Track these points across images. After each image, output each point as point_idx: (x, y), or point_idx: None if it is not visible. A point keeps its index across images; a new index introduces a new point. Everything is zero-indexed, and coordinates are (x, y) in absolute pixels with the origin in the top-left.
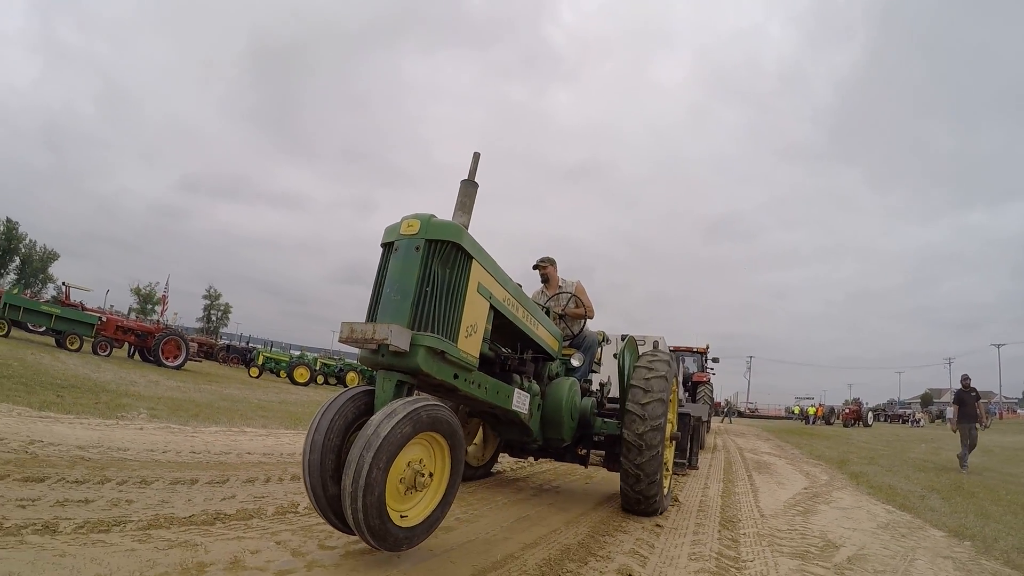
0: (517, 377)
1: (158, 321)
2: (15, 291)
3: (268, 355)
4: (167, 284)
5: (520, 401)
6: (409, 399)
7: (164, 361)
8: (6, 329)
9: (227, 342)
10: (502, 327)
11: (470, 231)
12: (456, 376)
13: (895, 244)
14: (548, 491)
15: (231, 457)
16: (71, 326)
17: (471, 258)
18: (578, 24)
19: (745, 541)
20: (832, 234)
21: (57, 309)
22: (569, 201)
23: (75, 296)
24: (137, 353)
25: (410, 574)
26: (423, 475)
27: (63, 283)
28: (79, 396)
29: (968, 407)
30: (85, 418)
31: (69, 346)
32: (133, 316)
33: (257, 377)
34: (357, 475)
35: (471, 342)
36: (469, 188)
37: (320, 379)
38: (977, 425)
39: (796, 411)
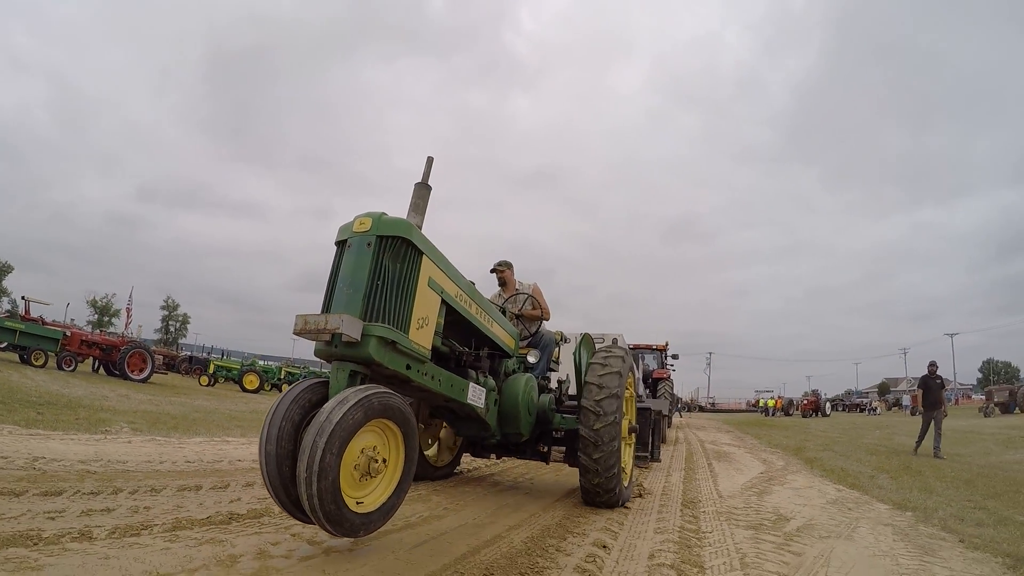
0: (472, 372)
1: (122, 335)
2: None
3: (220, 364)
4: (131, 297)
5: (475, 395)
6: (361, 387)
7: (130, 375)
8: None
9: (189, 354)
10: (456, 323)
11: (424, 232)
12: (409, 367)
13: (851, 241)
14: (523, 483)
15: (224, 464)
16: (36, 342)
17: (421, 253)
18: (538, 32)
19: (705, 517)
20: (790, 233)
21: (21, 325)
22: (530, 206)
23: (35, 310)
24: (102, 367)
25: (414, 553)
26: (377, 461)
27: (23, 297)
28: (58, 412)
29: (933, 393)
30: (73, 434)
31: (34, 362)
32: (91, 329)
33: (207, 386)
34: (311, 461)
35: (423, 334)
36: (422, 191)
37: (285, 387)
38: (944, 411)
39: (761, 403)
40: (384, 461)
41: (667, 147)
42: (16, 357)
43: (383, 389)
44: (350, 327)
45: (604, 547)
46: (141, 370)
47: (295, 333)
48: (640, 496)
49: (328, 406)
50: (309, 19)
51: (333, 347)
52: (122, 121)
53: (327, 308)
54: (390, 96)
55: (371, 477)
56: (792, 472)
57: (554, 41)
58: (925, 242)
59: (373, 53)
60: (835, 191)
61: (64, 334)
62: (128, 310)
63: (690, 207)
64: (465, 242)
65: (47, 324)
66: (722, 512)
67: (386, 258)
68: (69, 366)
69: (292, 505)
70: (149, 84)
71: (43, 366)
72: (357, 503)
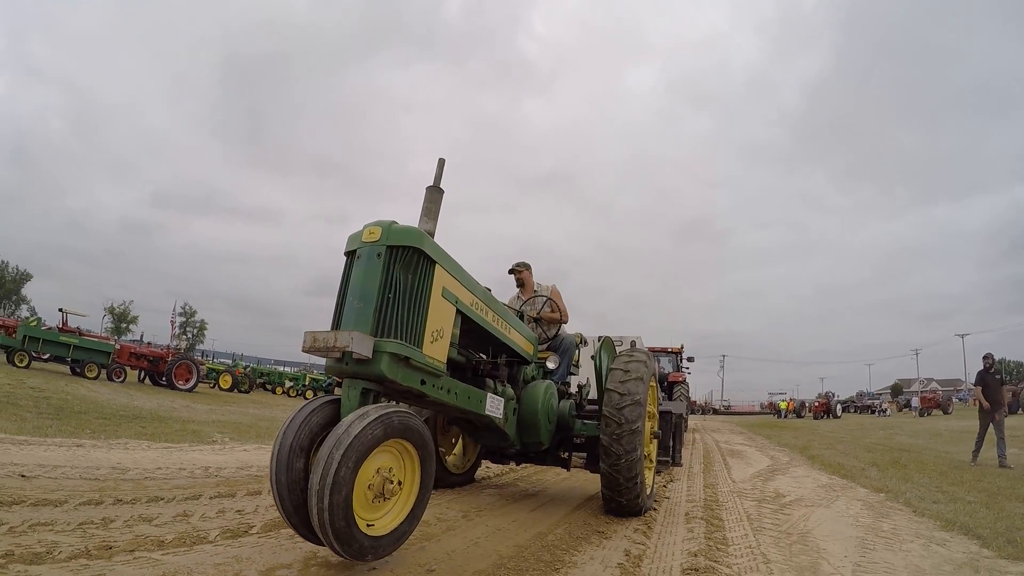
0: (490, 382)
1: (168, 346)
2: (33, 323)
3: (210, 366)
4: (174, 309)
5: (494, 406)
6: (382, 404)
7: (177, 385)
8: (26, 361)
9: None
10: (472, 331)
11: (438, 236)
12: (423, 382)
13: (862, 240)
14: (572, 479)
15: None
16: (88, 355)
17: (434, 263)
18: (551, 36)
19: (722, 494)
20: (801, 232)
21: (75, 339)
22: (543, 208)
23: (71, 322)
24: (148, 377)
25: (530, 516)
26: (392, 483)
27: (60, 310)
28: (156, 426)
29: (992, 391)
30: (196, 446)
31: (87, 374)
32: (110, 333)
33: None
34: (325, 473)
35: (437, 347)
36: (434, 194)
37: (309, 394)
38: (1005, 411)
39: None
40: (399, 484)
41: (680, 147)
42: (67, 369)
43: (404, 408)
44: (360, 344)
45: (655, 509)
46: (187, 380)
47: (304, 351)
48: (672, 480)
49: (347, 419)
50: (324, 24)
51: (344, 364)
52: (137, 128)
53: (337, 323)
54: (405, 101)
55: (384, 500)
56: (795, 466)
57: (566, 44)
58: (936, 239)
59: (388, 58)
60: (847, 190)
61: (115, 347)
62: (172, 322)
63: (703, 207)
64: (479, 244)
65: (83, 335)
66: (734, 491)
67: (397, 269)
68: (119, 377)
69: (304, 526)
70: (164, 90)
71: (96, 378)
72: (368, 525)
